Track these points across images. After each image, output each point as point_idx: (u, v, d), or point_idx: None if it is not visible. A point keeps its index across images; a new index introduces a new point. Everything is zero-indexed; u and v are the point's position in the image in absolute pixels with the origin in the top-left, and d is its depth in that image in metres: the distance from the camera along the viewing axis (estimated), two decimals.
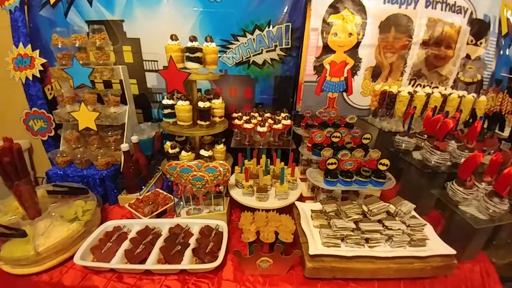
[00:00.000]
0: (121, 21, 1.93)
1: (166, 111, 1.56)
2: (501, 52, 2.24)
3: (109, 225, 1.34)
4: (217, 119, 1.63)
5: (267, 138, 1.73)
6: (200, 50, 1.42)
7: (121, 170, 1.61)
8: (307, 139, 1.74)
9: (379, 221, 1.18)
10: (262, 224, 1.15)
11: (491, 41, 2.17)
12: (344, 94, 2.04)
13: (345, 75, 1.98)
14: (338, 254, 1.10)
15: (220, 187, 1.40)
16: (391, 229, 1.14)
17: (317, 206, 1.35)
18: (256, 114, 1.77)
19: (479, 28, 2.09)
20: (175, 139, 1.80)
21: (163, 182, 1.81)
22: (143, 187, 1.68)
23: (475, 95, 1.79)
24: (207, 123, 1.55)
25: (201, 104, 1.50)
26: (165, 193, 1.61)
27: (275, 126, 1.61)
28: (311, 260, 1.09)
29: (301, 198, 1.69)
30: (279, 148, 1.63)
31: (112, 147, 1.66)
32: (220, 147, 1.66)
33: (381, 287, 1.11)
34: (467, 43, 2.12)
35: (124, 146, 1.52)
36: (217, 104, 1.60)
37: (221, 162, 1.36)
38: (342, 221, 1.15)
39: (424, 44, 2.00)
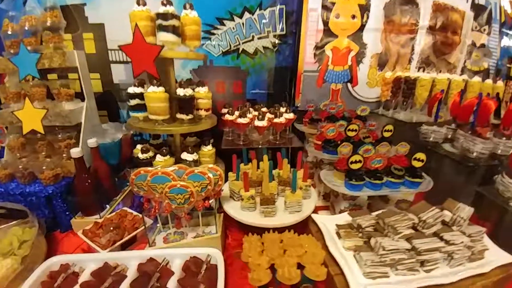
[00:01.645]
0: (83, 4, 1.57)
1: (133, 102, 1.17)
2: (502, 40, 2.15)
3: (54, 262, 0.92)
4: (202, 113, 1.27)
5: (265, 136, 1.39)
6: (176, 17, 1.07)
7: (74, 185, 1.19)
8: (314, 136, 1.43)
9: (435, 234, 0.86)
10: (277, 253, 0.78)
11: (494, 28, 2.06)
12: (349, 85, 1.77)
13: (349, 63, 1.72)
14: None
15: (210, 201, 1.02)
16: (452, 243, 0.83)
17: (342, 218, 1.01)
18: (251, 109, 1.44)
19: (481, 14, 1.99)
20: (148, 142, 1.41)
21: (134, 199, 1.39)
22: (106, 206, 1.26)
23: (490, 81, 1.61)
24: (190, 117, 1.18)
25: (180, 92, 1.14)
26: (134, 213, 1.20)
27: (276, 120, 1.28)
28: None
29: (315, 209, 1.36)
30: (282, 148, 1.30)
31: (64, 155, 1.30)
32: (208, 149, 1.29)
33: None
34: (472, 30, 1.99)
35: (76, 152, 1.11)
36: (202, 94, 1.25)
37: (210, 166, 0.99)
38: (390, 240, 0.81)
39: (431, 29, 1.81)
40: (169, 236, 1.08)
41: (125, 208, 1.23)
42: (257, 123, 1.22)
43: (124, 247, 1.06)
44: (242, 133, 1.33)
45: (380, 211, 0.91)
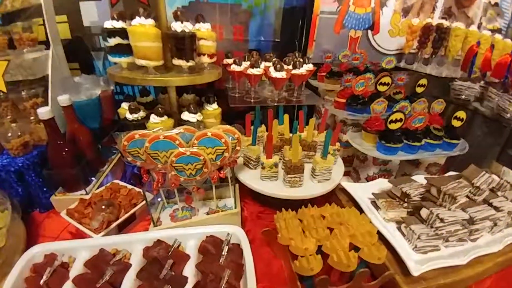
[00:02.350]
0: None
1: (112, 41, 0.86)
2: None
3: (37, 252, 0.74)
4: (205, 60, 1.00)
5: (279, 93, 1.17)
6: None
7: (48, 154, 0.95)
8: (335, 92, 1.23)
9: (485, 201, 0.77)
10: (323, 233, 0.64)
11: None
12: (369, 33, 1.53)
13: (372, 5, 1.46)
14: (448, 265, 0.66)
15: (225, 171, 0.84)
16: (502, 210, 0.74)
17: (375, 186, 0.88)
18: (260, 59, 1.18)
19: None
20: (135, 99, 1.15)
21: (125, 169, 1.18)
22: (91, 179, 1.04)
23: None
24: (190, 63, 0.92)
25: (177, 27, 0.86)
26: (129, 186, 1.00)
27: (295, 72, 1.05)
28: (407, 282, 0.64)
29: None
30: (304, 105, 1.10)
31: (32, 118, 1.05)
32: (214, 108, 1.06)
33: None
34: None
35: (44, 112, 0.85)
36: (205, 32, 0.97)
37: (226, 127, 0.78)
38: (447, 211, 0.69)
39: None
40: (177, 213, 0.91)
41: (116, 181, 1.02)
42: (275, 74, 0.99)
43: (121, 228, 0.88)
44: (254, 87, 1.09)
45: (431, 177, 0.78)
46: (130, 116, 0.98)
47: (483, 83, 1.22)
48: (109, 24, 0.85)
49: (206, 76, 0.99)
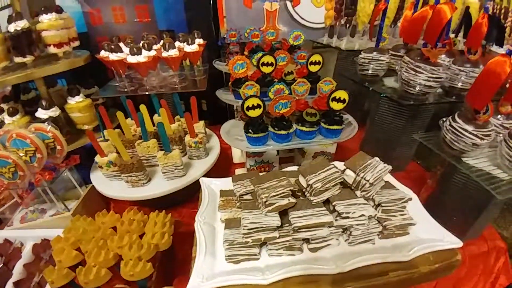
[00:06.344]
0: None
1: None
2: None
3: None
4: (53, 50, 0.92)
5: (168, 79, 1.07)
6: None
7: None
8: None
9: (328, 202, 0.65)
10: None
11: None
12: (288, 5, 1.35)
13: None
14: (249, 283, 0.56)
15: (62, 171, 0.78)
16: (346, 217, 0.61)
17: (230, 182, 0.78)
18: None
19: None
20: (20, 98, 1.09)
21: None
22: None
23: None
24: (28, 58, 0.84)
25: (10, 28, 0.82)
26: None
27: (188, 49, 0.95)
28: None
29: (232, 167, 1.16)
30: (192, 92, 1.00)
31: None
32: (77, 101, 0.98)
33: None
34: None
35: None
36: (46, 24, 0.88)
37: (38, 125, 0.71)
38: (256, 215, 0.60)
39: None
40: (28, 214, 0.88)
41: None
42: (166, 53, 0.90)
43: None
44: (122, 74, 0.99)
45: (264, 173, 0.67)
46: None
47: (403, 51, 1.03)
48: None
49: (56, 66, 0.91)
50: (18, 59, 0.86)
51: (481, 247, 0.90)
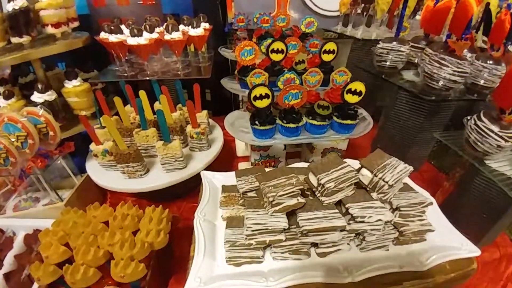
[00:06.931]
0: None
1: None
2: None
3: None
4: (51, 30, 0.86)
5: (171, 65, 1.01)
6: None
7: None
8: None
9: (340, 203, 0.59)
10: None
11: None
12: None
13: None
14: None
15: (56, 158, 0.73)
16: (361, 221, 0.56)
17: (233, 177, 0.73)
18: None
19: None
20: (18, 82, 1.05)
21: None
22: None
23: None
24: (25, 39, 0.79)
25: (9, 7, 0.76)
26: None
27: (192, 33, 0.88)
28: None
29: (235, 160, 1.11)
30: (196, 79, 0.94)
31: None
32: (74, 85, 0.93)
33: None
34: None
35: None
36: (44, 3, 0.83)
37: (31, 109, 0.66)
38: (258, 214, 0.54)
39: None
40: (21, 202, 0.84)
41: None
42: (169, 36, 0.85)
43: None
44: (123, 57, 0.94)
45: (271, 169, 0.61)
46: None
47: (424, 43, 0.95)
48: None
49: (54, 47, 0.85)
50: (15, 39, 0.82)
51: (493, 254, 0.85)
